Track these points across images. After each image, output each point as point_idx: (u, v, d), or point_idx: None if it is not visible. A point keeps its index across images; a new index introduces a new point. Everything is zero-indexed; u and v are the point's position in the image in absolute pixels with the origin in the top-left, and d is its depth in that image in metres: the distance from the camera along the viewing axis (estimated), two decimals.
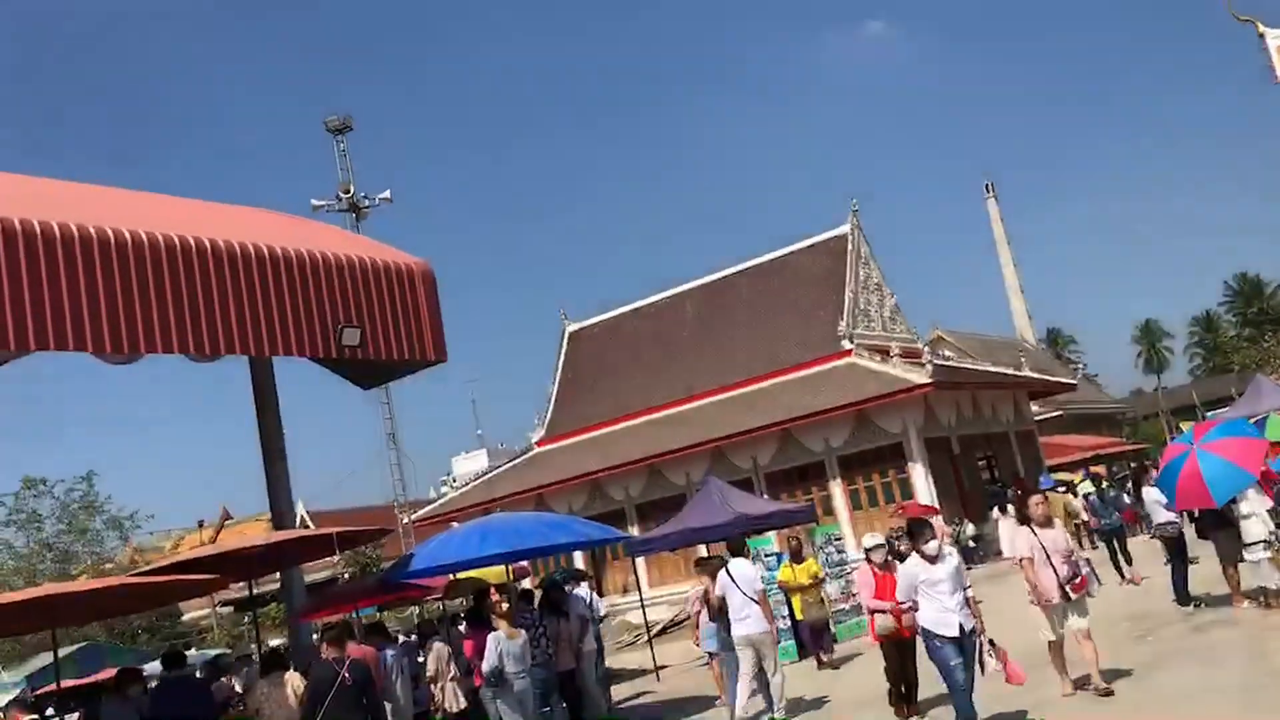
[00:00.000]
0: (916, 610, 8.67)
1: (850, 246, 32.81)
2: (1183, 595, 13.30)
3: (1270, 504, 11.68)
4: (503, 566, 12.41)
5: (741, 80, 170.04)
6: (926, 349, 30.27)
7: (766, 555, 16.39)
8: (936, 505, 26.28)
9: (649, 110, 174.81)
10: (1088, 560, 10.14)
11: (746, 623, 10.82)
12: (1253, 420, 15.36)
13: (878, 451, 28.46)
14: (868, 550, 10.17)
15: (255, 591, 15.85)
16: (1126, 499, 22.58)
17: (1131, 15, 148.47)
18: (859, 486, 28.91)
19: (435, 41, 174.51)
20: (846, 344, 29.97)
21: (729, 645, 11.25)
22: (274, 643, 21.09)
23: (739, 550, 11.96)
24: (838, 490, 29.00)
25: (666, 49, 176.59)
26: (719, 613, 11.37)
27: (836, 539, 18.84)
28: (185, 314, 9.13)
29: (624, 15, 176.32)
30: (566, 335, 39.51)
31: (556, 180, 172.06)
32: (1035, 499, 9.76)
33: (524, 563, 20.58)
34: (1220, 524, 12.24)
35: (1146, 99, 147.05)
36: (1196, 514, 12.64)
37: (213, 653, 22.04)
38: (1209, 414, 33.41)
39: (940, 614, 8.40)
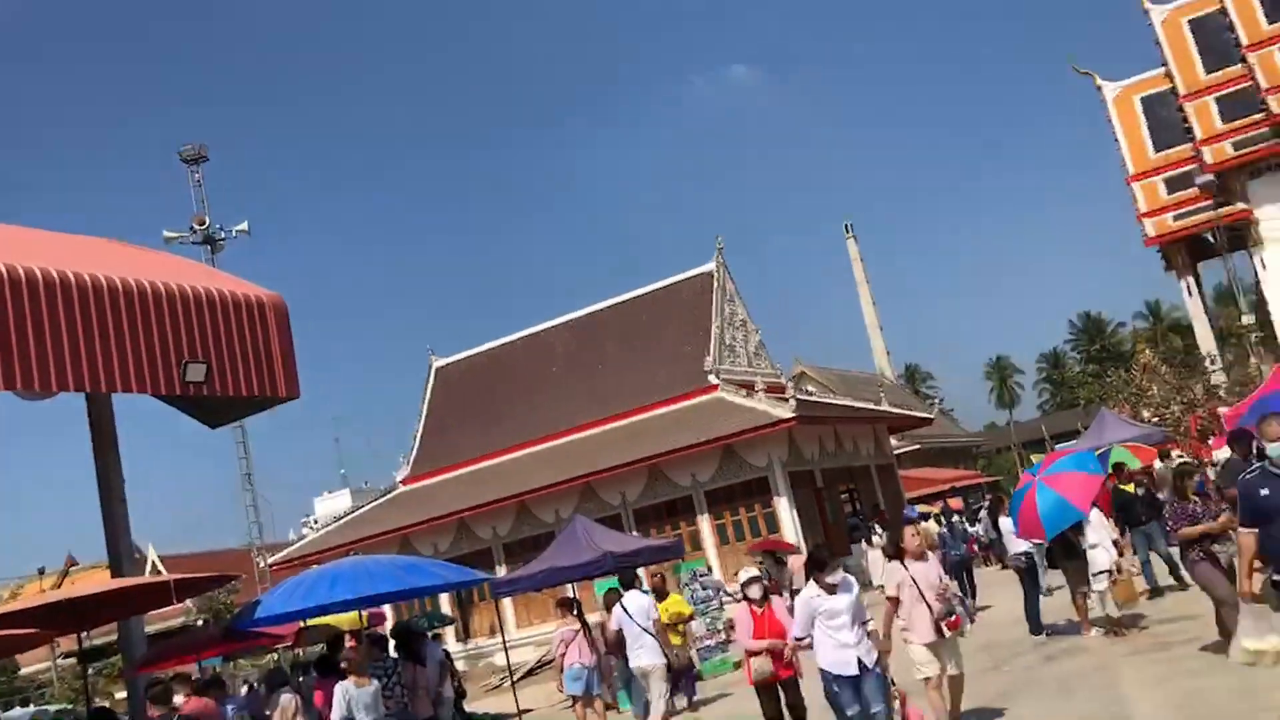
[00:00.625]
0: (811, 648, 8.06)
1: (716, 283, 33.21)
2: (1035, 625, 13.68)
3: (1115, 535, 12.11)
4: (357, 612, 11.95)
5: (612, 121, 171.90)
6: (790, 384, 30.76)
7: (702, 574, 16.34)
8: (800, 539, 26.60)
9: (520, 146, 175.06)
10: (960, 597, 10.14)
11: (641, 654, 11.06)
12: (1098, 451, 15.97)
13: (744, 486, 28.68)
14: (744, 585, 9.35)
15: (99, 641, 14.93)
16: (975, 530, 23.30)
17: (986, 63, 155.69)
18: (726, 521, 29.06)
19: (300, 71, 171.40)
20: (713, 379, 30.21)
21: (625, 677, 11.56)
22: (120, 696, 19.90)
23: (631, 583, 12.18)
24: (705, 525, 29.10)
25: (539, 85, 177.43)
26: (614, 646, 11.72)
27: (703, 574, 18.82)
28: (13, 347, 8.52)
29: (498, 49, 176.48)
30: (434, 371, 38.85)
31: (423, 215, 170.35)
32: (910, 530, 9.10)
33: (384, 607, 19.92)
34: (1069, 554, 12.63)
35: (1000, 147, 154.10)
36: (1048, 544, 13.04)
37: (52, 709, 20.69)
38: (1058, 446, 34.79)
39: (838, 651, 7.82)
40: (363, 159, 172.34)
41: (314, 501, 60.76)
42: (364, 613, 13.13)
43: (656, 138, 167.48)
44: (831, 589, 7.92)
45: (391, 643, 12.43)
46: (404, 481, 36.23)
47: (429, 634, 15.81)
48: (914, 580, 8.64)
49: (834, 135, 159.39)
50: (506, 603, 28.50)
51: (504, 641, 19.28)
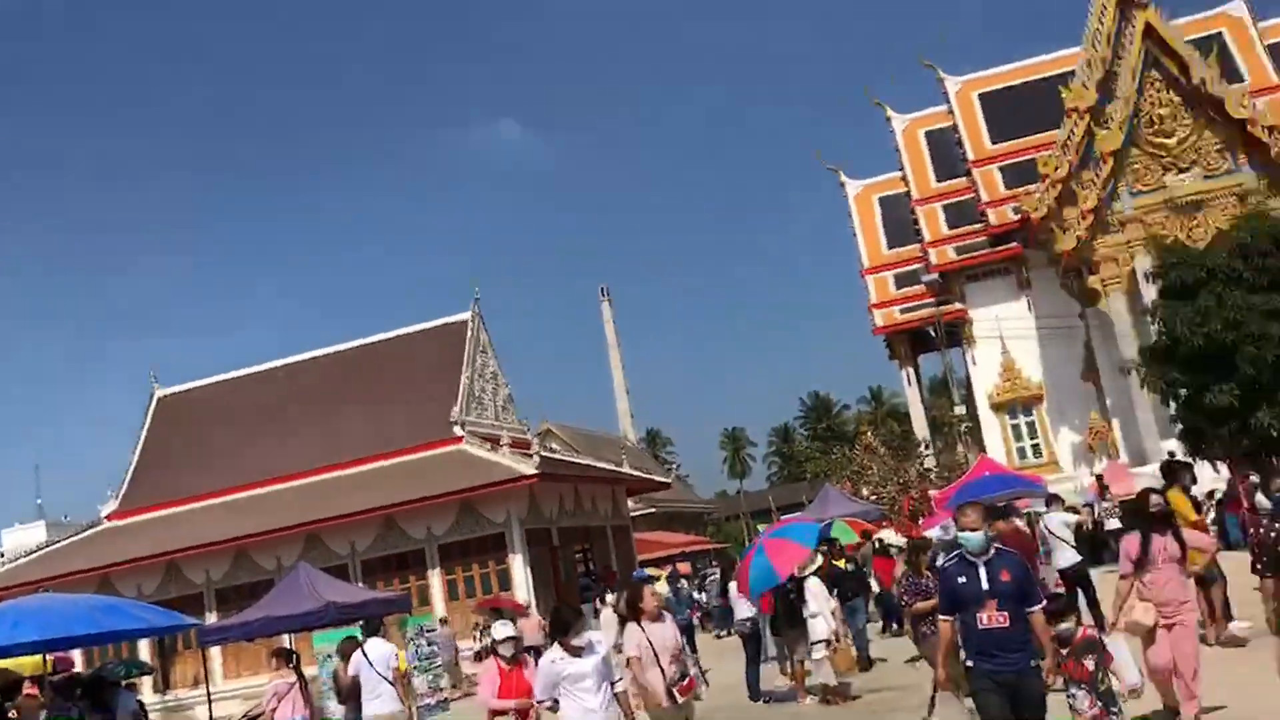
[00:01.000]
0: (555, 710, 7.64)
1: (470, 333, 32.90)
2: (754, 691, 14.01)
3: (835, 604, 12.63)
4: (41, 656, 10.77)
5: (381, 168, 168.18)
6: (536, 440, 30.71)
7: (429, 630, 15.70)
8: (532, 598, 26.42)
9: (280, 181, 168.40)
10: (696, 659, 10.13)
11: (378, 702, 11.04)
12: (822, 523, 16.71)
13: (480, 541, 28.25)
14: (496, 642, 8.92)
15: None
16: (700, 596, 23.87)
17: (728, 149, 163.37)
18: (458, 576, 28.47)
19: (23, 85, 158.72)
20: (458, 431, 29.75)
21: None
22: None
23: (376, 631, 12.18)
24: (436, 580, 28.39)
25: (303, 125, 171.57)
26: (350, 694, 11.64)
27: (429, 630, 18.27)
28: None
29: (268, 83, 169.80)
30: (156, 400, 36.28)
31: (170, 233, 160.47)
32: (650, 590, 8.89)
33: (74, 651, 18.15)
34: (791, 622, 13.06)
35: (754, 230, 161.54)
36: (773, 611, 13.44)
37: None
38: (783, 517, 36.37)
39: (585, 716, 7.46)
40: (110, 178, 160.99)
41: (1, 533, 55.15)
42: (49, 657, 11.84)
43: (427, 188, 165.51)
44: (577, 651, 7.54)
45: (80, 691, 11.30)
46: (110, 516, 33.46)
47: (122, 683, 14.51)
48: (650, 642, 8.37)
49: (597, 199, 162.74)
50: (214, 652, 26.65)
51: (208, 693, 17.97)
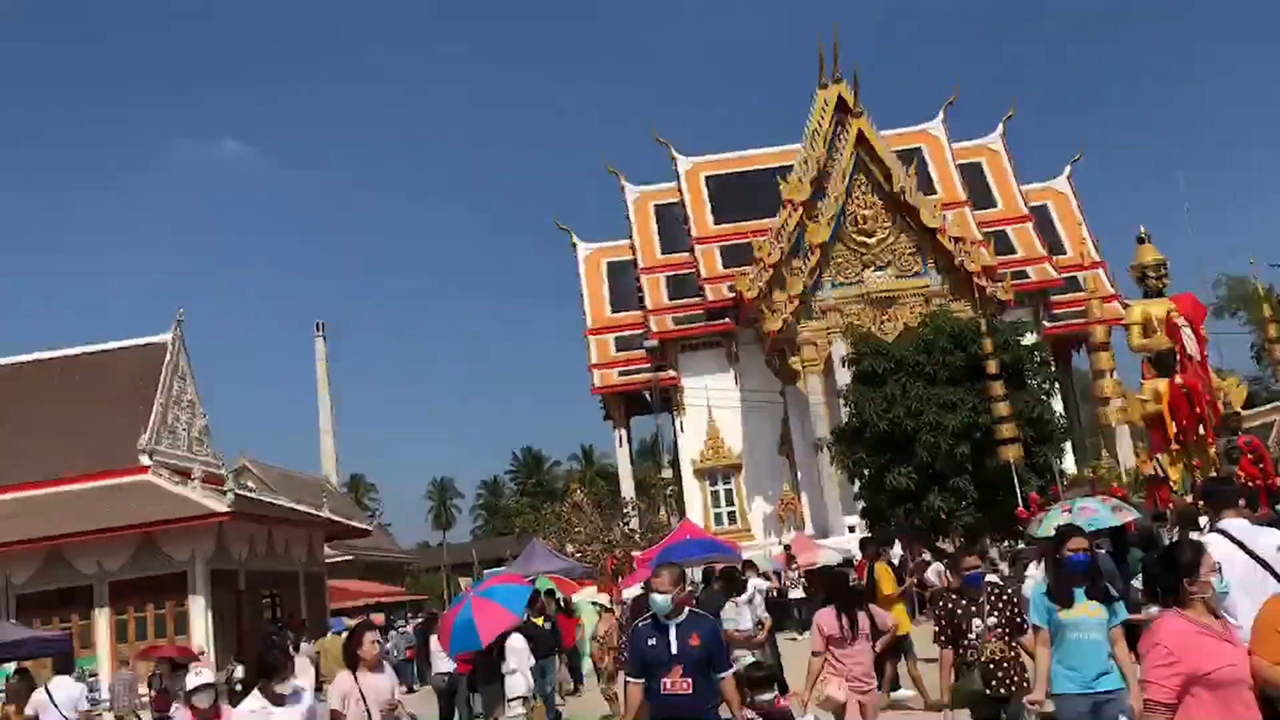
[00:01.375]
0: None
1: (169, 357, 30.76)
2: None
3: (534, 662, 12.56)
4: None
5: (89, 174, 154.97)
6: (231, 476, 29.02)
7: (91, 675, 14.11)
8: (211, 643, 24.75)
9: None
10: (411, 715, 9.62)
11: None
12: (529, 578, 16.68)
13: (159, 580, 26.19)
14: (190, 691, 7.73)
15: None
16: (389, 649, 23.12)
17: (480, 193, 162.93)
18: (129, 617, 26.22)
19: None
20: (145, 459, 27.63)
21: None
22: None
23: (67, 668, 11.50)
24: (104, 620, 26.01)
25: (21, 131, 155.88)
26: None
27: (91, 675, 16.70)
28: None
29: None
30: None
31: None
32: (370, 637, 8.04)
33: None
34: (488, 678, 12.87)
35: (483, 283, 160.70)
36: (472, 666, 13.20)
37: None
38: (486, 571, 36.02)
39: None
40: None
41: None
42: None
43: (132, 202, 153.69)
44: (280, 699, 6.87)
45: None
46: None
47: None
48: (363, 695, 7.71)
49: (322, 232, 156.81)
50: None
51: None
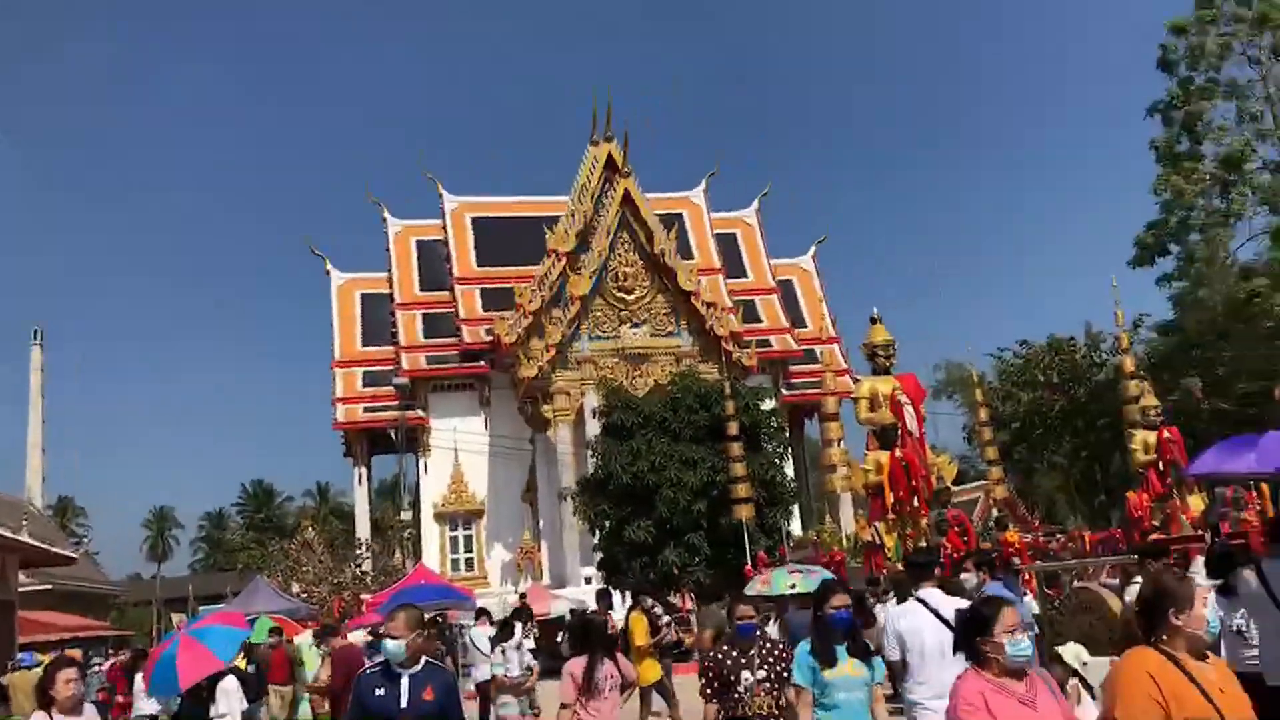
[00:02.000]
0: None
1: None
2: None
3: (245, 705, 11.90)
4: None
5: None
6: None
7: None
8: None
9: None
10: None
11: None
12: (249, 618, 15.79)
13: None
14: None
15: None
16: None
17: (231, 214, 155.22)
18: None
19: None
20: None
21: None
22: None
23: None
24: None
25: None
26: None
27: None
28: None
29: None
30: None
31: None
32: (65, 675, 7.42)
33: None
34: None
35: (235, 305, 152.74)
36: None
37: None
38: (202, 608, 33.85)
39: None
40: None
41: None
42: None
43: None
44: None
45: None
46: None
47: None
48: None
49: (36, 233, 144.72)
50: None
51: None
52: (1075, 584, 13.01)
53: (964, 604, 6.33)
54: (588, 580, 32.39)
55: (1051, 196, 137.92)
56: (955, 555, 13.10)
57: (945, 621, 6.22)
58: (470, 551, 38.63)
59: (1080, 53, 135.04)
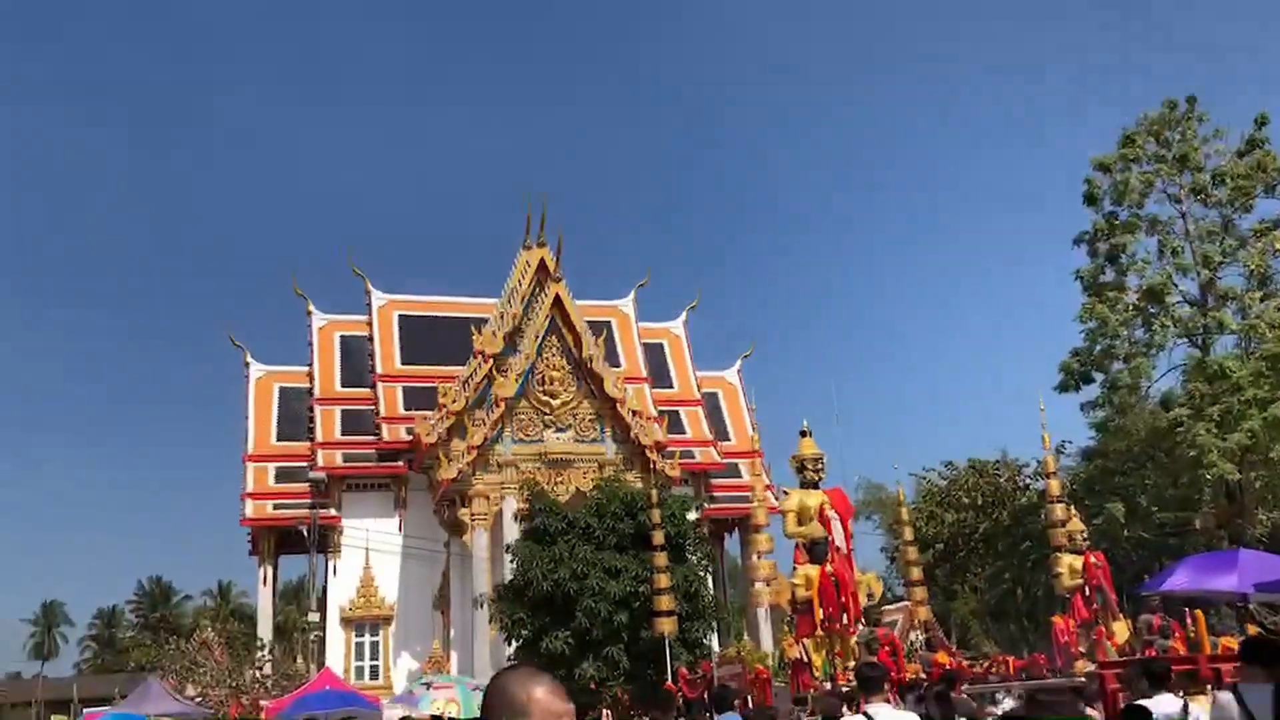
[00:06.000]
0: None
1: None
2: None
3: None
4: None
5: None
6: None
7: None
8: None
9: None
10: None
11: None
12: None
13: None
14: None
15: None
16: None
17: (152, 297, 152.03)
18: None
19: None
20: None
21: None
22: None
23: None
24: None
25: None
26: None
27: None
28: None
29: None
30: None
31: None
32: None
33: None
34: None
35: (146, 401, 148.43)
36: None
37: None
38: (86, 710, 31.93)
39: None
40: None
41: None
42: None
43: None
44: None
45: None
46: None
47: None
48: None
49: None
50: None
51: None
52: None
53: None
54: None
55: (972, 322, 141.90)
56: (897, 677, 12.83)
57: None
58: (376, 659, 37.14)
59: (1005, 182, 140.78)
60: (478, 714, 11.45)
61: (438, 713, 12.12)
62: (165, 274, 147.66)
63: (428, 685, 12.06)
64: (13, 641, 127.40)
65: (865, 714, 6.08)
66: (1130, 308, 27.49)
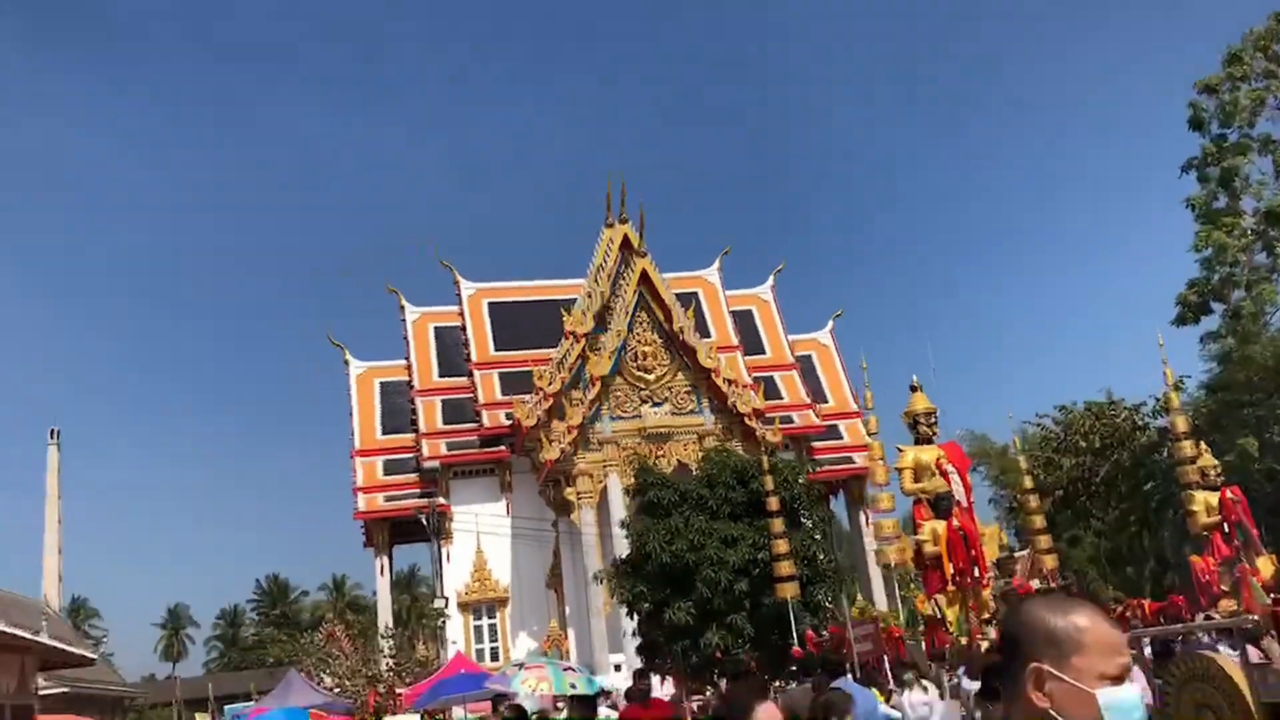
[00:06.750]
0: None
1: None
2: None
3: None
4: None
5: None
6: None
7: None
8: None
9: None
10: None
11: None
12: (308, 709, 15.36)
13: None
14: None
15: None
16: None
17: (246, 301, 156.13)
18: None
19: None
20: None
21: None
22: None
23: None
24: None
25: None
26: None
27: None
28: None
29: None
30: None
31: None
32: None
33: None
34: None
35: (248, 399, 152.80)
36: None
37: None
38: (227, 708, 33.13)
39: None
40: None
41: None
42: None
43: None
44: None
45: None
46: None
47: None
48: None
49: (55, 334, 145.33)
50: None
51: None
52: (1181, 651, 12.42)
53: None
54: (617, 667, 31.65)
55: (1068, 267, 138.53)
56: None
57: None
58: (495, 640, 37.88)
59: (1099, 115, 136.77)
60: (569, 691, 11.58)
61: (529, 690, 12.36)
62: (265, 280, 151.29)
63: (520, 665, 12.33)
64: (144, 645, 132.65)
65: None
66: (1248, 233, 26.37)
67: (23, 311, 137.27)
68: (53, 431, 64.81)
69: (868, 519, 41.72)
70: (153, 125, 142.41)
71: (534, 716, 12.86)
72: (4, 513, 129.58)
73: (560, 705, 20.74)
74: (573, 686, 11.85)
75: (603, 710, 13.23)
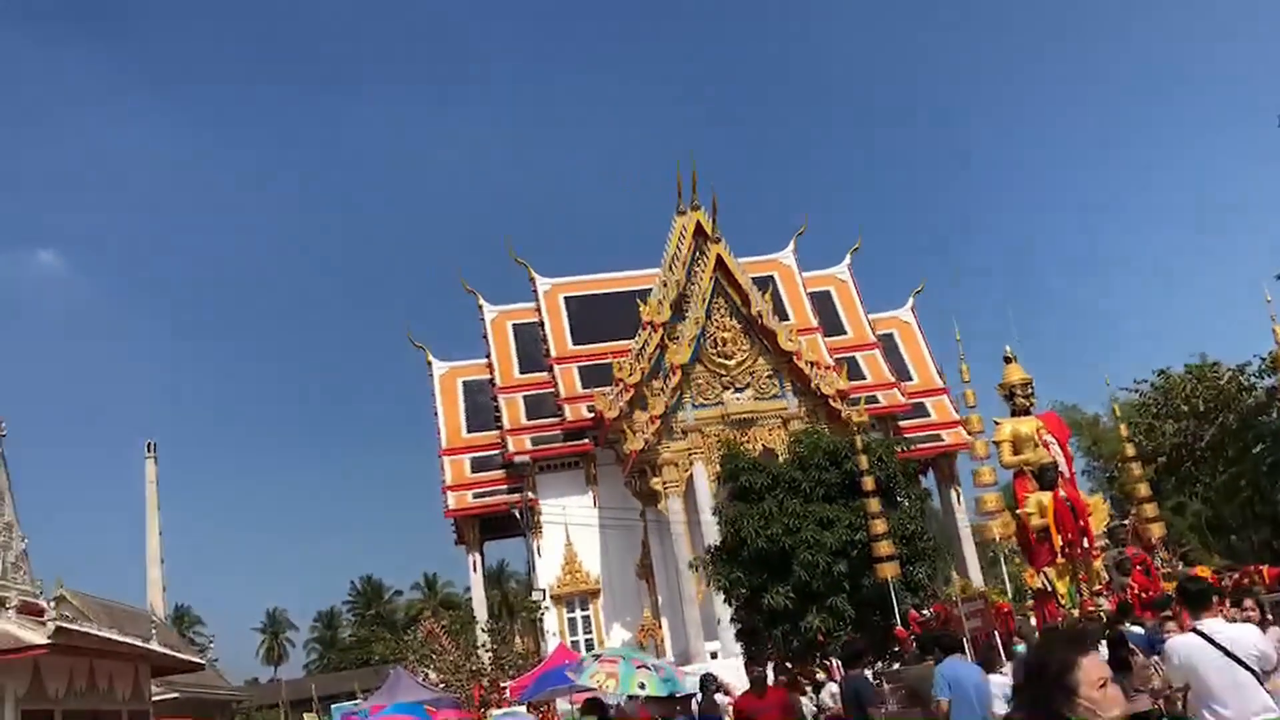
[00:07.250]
0: None
1: None
2: None
3: None
4: None
5: None
6: (50, 605, 26.45)
7: None
8: None
9: None
10: None
11: None
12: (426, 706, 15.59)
13: None
14: None
15: None
16: None
17: (328, 306, 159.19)
18: None
19: None
20: None
21: None
22: None
23: None
24: None
25: None
26: None
27: None
28: None
29: None
30: None
31: None
32: None
33: None
34: None
35: (339, 406, 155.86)
36: None
37: None
38: (334, 707, 33.79)
39: None
40: None
41: None
42: None
43: None
44: None
45: None
46: None
47: None
48: None
49: (148, 345, 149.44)
50: None
51: None
52: None
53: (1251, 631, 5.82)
54: (713, 655, 31.58)
55: (1161, 238, 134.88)
56: (1145, 595, 12.35)
57: (1228, 652, 5.71)
58: (589, 632, 38.09)
59: (1194, 69, 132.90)
60: (636, 691, 11.47)
61: (596, 685, 12.07)
62: (346, 286, 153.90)
63: (596, 656, 12.21)
64: (246, 650, 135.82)
65: (1197, 630, 5.80)
66: None
67: (118, 324, 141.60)
68: (149, 445, 66.63)
69: (959, 496, 41.12)
70: (228, 133, 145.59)
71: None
72: (109, 526, 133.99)
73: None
74: (641, 686, 11.32)
75: (719, 698, 13.13)
